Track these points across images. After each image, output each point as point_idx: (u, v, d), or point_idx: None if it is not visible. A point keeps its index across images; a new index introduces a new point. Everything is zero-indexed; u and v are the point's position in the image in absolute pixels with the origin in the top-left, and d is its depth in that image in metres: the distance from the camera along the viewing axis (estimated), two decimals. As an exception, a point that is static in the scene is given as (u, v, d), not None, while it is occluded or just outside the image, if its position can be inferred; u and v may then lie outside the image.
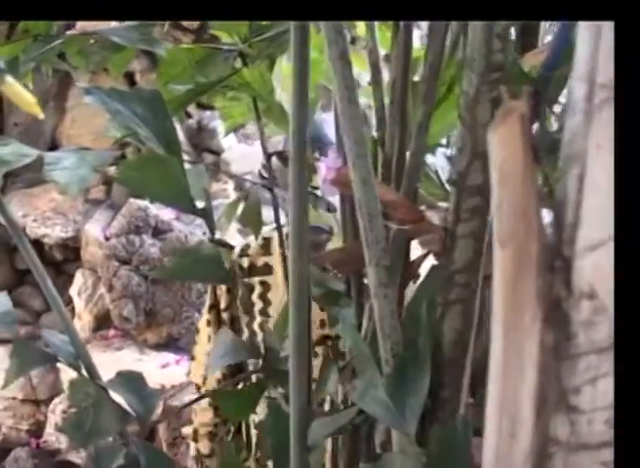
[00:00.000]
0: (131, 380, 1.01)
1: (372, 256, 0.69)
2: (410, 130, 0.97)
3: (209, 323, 1.96)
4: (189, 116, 3.70)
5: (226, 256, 1.03)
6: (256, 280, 1.87)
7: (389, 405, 0.72)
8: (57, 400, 3.35)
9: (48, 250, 3.59)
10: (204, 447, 1.81)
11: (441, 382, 0.74)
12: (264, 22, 1.27)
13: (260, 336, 1.87)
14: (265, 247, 1.88)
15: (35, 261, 1.01)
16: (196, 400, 1.16)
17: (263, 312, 1.86)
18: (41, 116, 0.52)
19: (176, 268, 1.03)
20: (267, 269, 1.86)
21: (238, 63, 1.30)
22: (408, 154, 0.86)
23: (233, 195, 1.73)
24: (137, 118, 0.97)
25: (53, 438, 3.33)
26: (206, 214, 1.00)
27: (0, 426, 3.41)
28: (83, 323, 3.45)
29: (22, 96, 0.52)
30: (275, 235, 1.87)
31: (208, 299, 1.96)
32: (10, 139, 1.03)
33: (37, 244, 3.51)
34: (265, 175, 3.39)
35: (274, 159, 1.39)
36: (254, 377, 1.29)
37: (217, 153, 3.55)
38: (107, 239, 3.33)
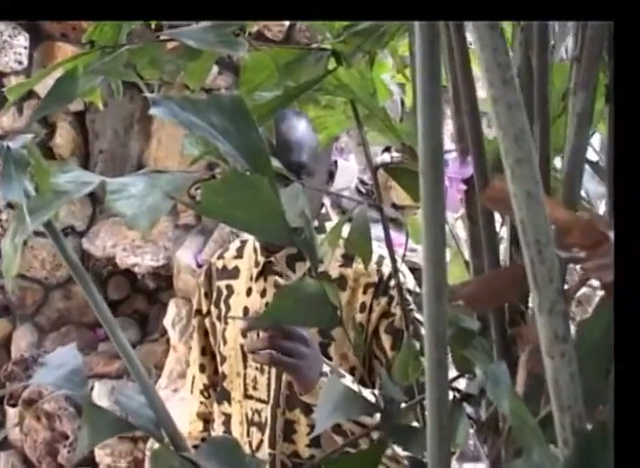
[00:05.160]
0: (224, 449, 0.83)
1: (543, 301, 0.49)
2: (549, 128, 0.78)
3: (193, 329, 1.82)
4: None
5: (333, 293, 0.85)
6: (223, 283, 1.73)
7: (572, 500, 0.52)
8: (155, 436, 3.23)
9: (140, 279, 3.48)
10: None
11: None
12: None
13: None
14: (240, 250, 1.74)
15: (97, 300, 0.85)
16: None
17: (224, 318, 1.71)
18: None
19: (275, 312, 0.85)
20: (236, 273, 1.71)
21: (332, 66, 1.12)
22: (565, 154, 0.66)
23: (332, 215, 1.58)
24: (214, 130, 0.80)
25: (152, 476, 3.20)
26: (307, 245, 0.82)
27: (98, 465, 3.31)
28: (179, 355, 3.31)
29: None
30: (251, 239, 1.72)
31: (194, 304, 1.82)
32: (71, 165, 0.87)
33: (129, 273, 3.40)
34: (363, 190, 3.21)
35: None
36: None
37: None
38: (200, 266, 3.19)
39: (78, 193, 0.82)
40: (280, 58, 1.12)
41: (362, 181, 3.20)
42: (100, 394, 3.26)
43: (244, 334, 1.65)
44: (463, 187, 0.88)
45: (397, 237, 1.08)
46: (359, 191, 3.12)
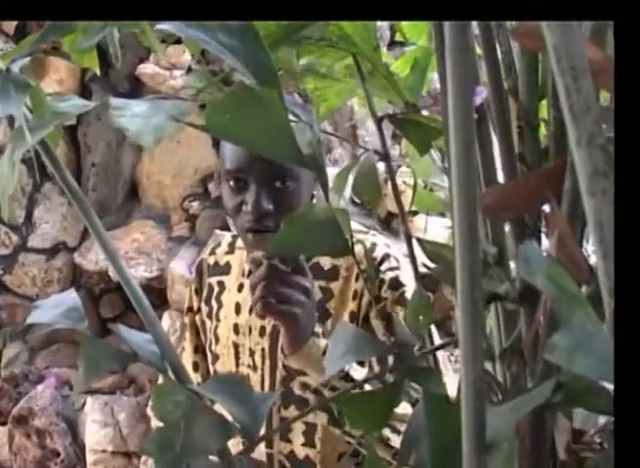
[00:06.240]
0: (231, 384, 0.80)
1: (581, 132, 0.46)
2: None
3: (185, 327, 1.77)
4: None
5: (344, 221, 0.82)
6: (214, 280, 1.68)
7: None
8: (148, 451, 3.16)
9: (133, 294, 3.44)
10: None
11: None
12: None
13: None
14: (231, 245, 1.69)
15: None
16: (308, 411, 0.94)
17: (215, 316, 1.65)
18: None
19: (284, 240, 0.81)
20: (227, 268, 1.67)
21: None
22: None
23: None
24: (223, 47, 0.78)
25: (146, 492, 3.14)
26: (316, 165, 0.80)
27: (91, 481, 3.25)
28: (172, 367, 3.26)
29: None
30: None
31: (186, 301, 1.76)
32: (71, 96, 0.86)
33: (122, 291, 3.35)
34: (358, 200, 3.17)
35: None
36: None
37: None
38: (194, 276, 3.16)
39: (78, 111, 0.81)
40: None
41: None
42: (93, 409, 3.20)
43: (236, 331, 1.61)
44: (475, 116, 0.86)
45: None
46: (353, 201, 3.09)
